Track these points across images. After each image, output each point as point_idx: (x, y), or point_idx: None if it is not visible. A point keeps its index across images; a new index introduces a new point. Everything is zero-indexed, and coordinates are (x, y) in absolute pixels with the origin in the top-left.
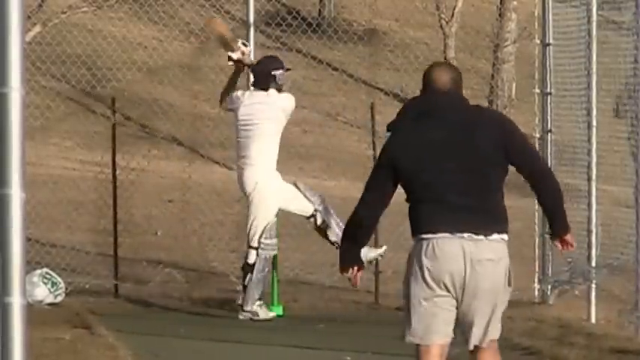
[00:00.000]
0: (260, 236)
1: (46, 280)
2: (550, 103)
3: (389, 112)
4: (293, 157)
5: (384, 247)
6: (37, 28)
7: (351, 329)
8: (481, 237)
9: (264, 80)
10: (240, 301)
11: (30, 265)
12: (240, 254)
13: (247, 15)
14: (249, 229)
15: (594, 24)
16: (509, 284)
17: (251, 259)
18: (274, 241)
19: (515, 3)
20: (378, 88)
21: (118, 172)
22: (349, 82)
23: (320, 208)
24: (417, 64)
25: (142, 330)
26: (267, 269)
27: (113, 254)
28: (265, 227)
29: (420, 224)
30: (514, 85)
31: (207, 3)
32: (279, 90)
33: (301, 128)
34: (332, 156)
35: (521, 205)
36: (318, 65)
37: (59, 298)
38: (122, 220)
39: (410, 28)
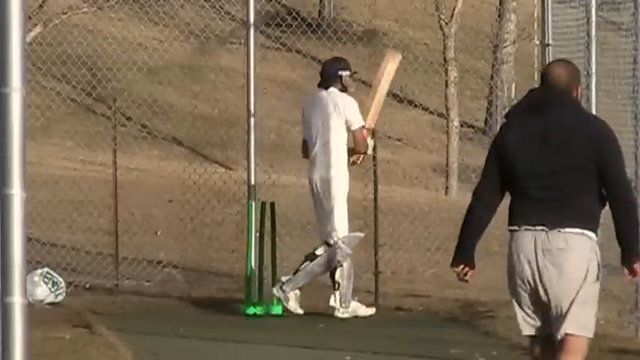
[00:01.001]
0: (339, 232)
1: (46, 280)
2: None
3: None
4: (293, 157)
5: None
6: (38, 29)
7: (350, 329)
8: (555, 229)
9: (329, 80)
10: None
11: (31, 264)
12: (240, 254)
13: (247, 15)
14: (328, 225)
15: (593, 25)
16: (596, 279)
17: (320, 251)
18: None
19: (514, 4)
20: None
21: (118, 172)
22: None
23: (343, 262)
24: (416, 65)
25: (142, 329)
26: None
27: (114, 254)
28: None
29: (510, 217)
30: (513, 85)
31: (207, 3)
32: (345, 91)
33: (301, 128)
34: None
35: None
36: (318, 66)
37: (60, 298)
38: (122, 219)
39: (409, 28)
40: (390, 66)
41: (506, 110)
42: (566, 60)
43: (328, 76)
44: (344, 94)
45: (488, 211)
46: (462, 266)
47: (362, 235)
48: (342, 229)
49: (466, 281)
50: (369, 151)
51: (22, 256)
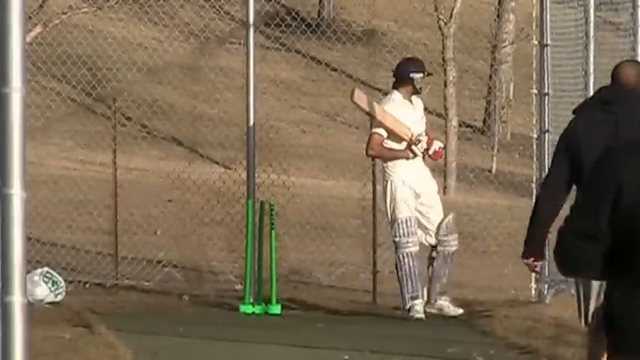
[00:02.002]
0: (437, 233)
1: (46, 279)
2: (548, 104)
3: None
4: (292, 157)
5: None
6: (38, 29)
7: (349, 328)
8: None
9: (401, 82)
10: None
11: (30, 264)
12: (239, 254)
13: (247, 16)
14: (432, 228)
15: (592, 25)
16: None
17: (435, 253)
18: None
19: (513, 4)
20: (376, 89)
21: (118, 171)
22: (348, 82)
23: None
24: None
25: (142, 329)
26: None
27: (113, 253)
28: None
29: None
30: (512, 85)
31: (206, 4)
32: (417, 93)
33: (300, 128)
34: (331, 156)
35: (518, 204)
36: (317, 66)
37: (59, 297)
38: (122, 219)
39: (408, 28)
40: (364, 105)
41: (575, 106)
42: (636, 61)
43: (403, 79)
44: (388, 97)
45: (556, 204)
46: (532, 258)
47: (452, 215)
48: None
49: (537, 272)
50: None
51: (22, 255)
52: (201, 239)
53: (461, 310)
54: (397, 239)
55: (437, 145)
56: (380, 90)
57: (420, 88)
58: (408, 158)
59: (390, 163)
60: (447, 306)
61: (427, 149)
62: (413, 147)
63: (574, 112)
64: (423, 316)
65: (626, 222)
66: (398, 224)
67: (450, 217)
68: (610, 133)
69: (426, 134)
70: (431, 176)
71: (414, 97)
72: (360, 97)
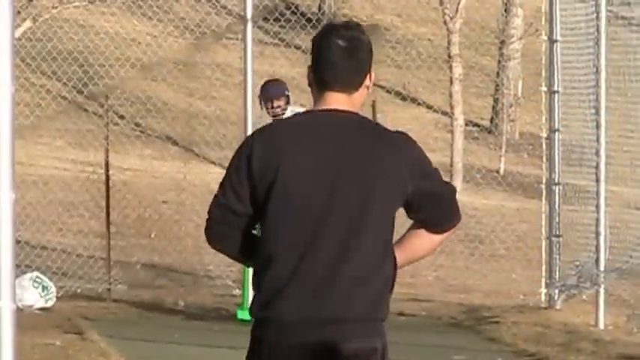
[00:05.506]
0: None
1: (36, 284)
2: (558, 102)
3: (391, 110)
4: None
5: None
6: (27, 24)
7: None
8: None
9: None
10: None
11: (20, 268)
12: None
13: (245, 10)
14: None
15: (603, 20)
16: None
17: None
18: None
19: None
20: (379, 86)
21: (110, 172)
22: None
23: None
24: (419, 61)
25: (135, 335)
26: None
27: (106, 257)
28: None
29: None
30: (520, 82)
31: None
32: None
33: None
34: None
35: (527, 206)
36: None
37: (50, 303)
38: (115, 221)
39: (413, 23)
40: None
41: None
42: None
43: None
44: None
45: None
46: None
47: None
48: None
49: None
50: None
51: (11, 259)
52: (197, 242)
53: None
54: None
55: None
56: (383, 87)
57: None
58: None
59: None
60: None
61: None
62: None
63: None
64: None
65: None
66: None
67: None
68: None
69: None
70: None
71: None
72: None
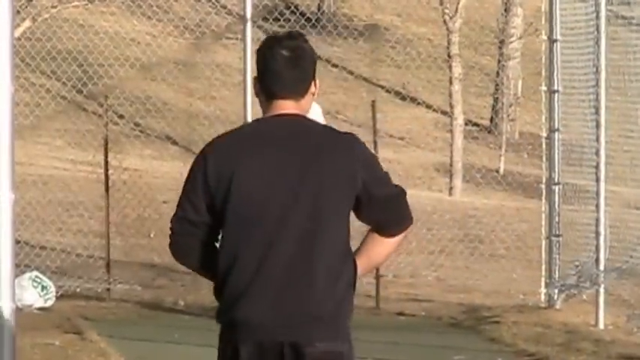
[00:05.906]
0: None
1: (35, 284)
2: (557, 101)
3: (390, 110)
4: None
5: None
6: (27, 23)
7: (351, 334)
8: None
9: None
10: None
11: (19, 268)
12: None
13: (244, 10)
14: None
15: (603, 19)
16: None
17: None
18: None
19: None
20: (379, 86)
21: (110, 172)
22: (350, 79)
23: None
24: (419, 61)
25: (135, 335)
26: None
27: (105, 257)
28: None
29: None
30: (520, 82)
31: None
32: None
33: None
34: None
35: (527, 206)
36: (318, 62)
37: (49, 302)
38: (114, 221)
39: (412, 23)
40: None
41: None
42: None
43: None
44: None
45: None
46: None
47: None
48: None
49: None
50: None
51: (11, 259)
52: None
53: None
54: None
55: None
56: (383, 87)
57: None
58: None
59: None
60: None
61: None
62: None
63: None
64: None
65: None
66: None
67: None
68: None
69: None
70: None
71: None
72: None
